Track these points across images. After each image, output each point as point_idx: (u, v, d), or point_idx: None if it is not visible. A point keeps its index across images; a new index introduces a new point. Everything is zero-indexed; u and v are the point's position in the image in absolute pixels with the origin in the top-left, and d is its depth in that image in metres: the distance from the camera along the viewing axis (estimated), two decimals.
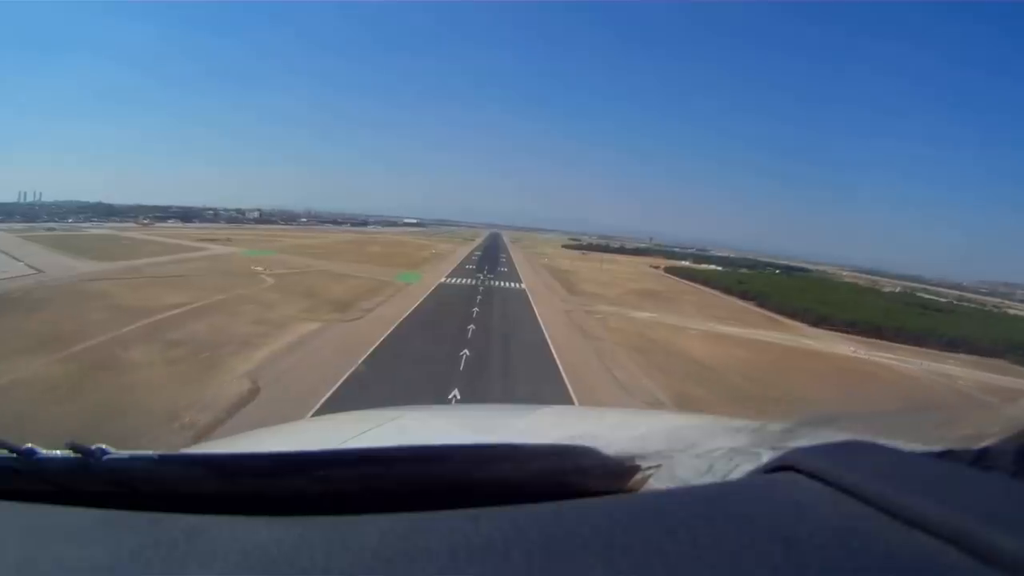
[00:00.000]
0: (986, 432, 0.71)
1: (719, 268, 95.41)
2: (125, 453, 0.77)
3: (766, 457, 0.75)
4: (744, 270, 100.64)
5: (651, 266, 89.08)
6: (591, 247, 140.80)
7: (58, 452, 0.78)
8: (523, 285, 41.70)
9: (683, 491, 0.74)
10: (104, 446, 0.76)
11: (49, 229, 59.92)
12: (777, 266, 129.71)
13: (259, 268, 36.86)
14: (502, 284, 41.73)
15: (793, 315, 40.31)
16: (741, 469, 0.76)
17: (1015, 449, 0.67)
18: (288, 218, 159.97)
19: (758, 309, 44.03)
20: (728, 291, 52.53)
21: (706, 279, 62.81)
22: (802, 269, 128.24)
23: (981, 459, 0.68)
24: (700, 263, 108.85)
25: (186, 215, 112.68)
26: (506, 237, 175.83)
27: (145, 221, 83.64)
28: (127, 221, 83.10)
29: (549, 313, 29.47)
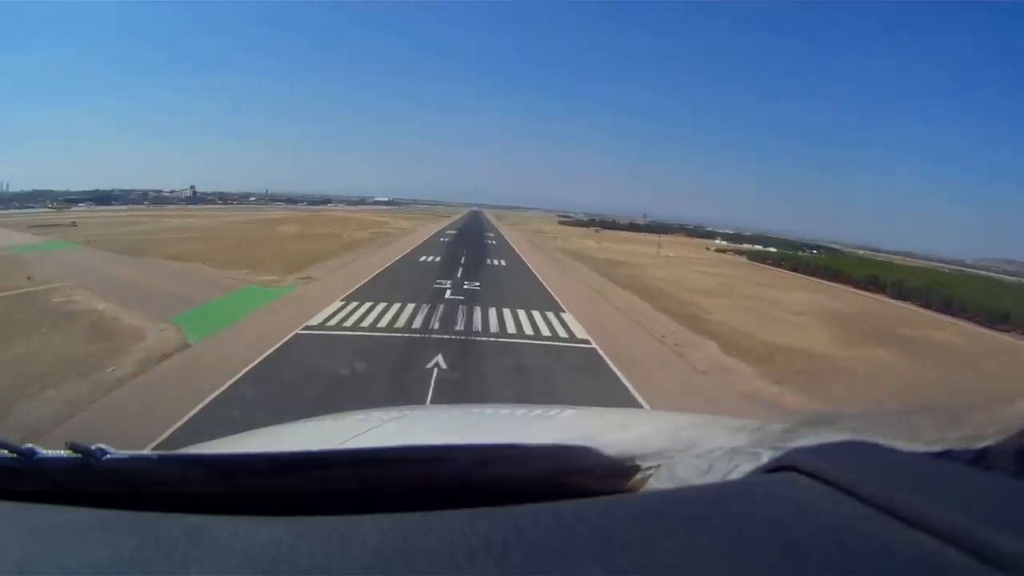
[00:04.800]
0: (986, 432, 0.70)
1: (772, 250, 70.81)
2: (125, 453, 0.77)
3: (766, 457, 0.75)
4: (803, 252, 76.63)
5: (711, 249, 62.69)
6: (594, 224, 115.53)
7: (58, 452, 0.78)
8: (576, 325, 13.74)
9: (683, 491, 0.74)
10: (104, 446, 0.76)
11: None
12: (805, 245, 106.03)
13: None
14: (512, 322, 13.74)
15: None
16: (741, 469, 0.75)
17: (1015, 449, 0.65)
18: (238, 199, 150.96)
19: None
20: (947, 305, 25.53)
21: (859, 278, 36.17)
22: (829, 249, 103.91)
23: (981, 459, 0.67)
24: (741, 243, 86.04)
25: (104, 198, 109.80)
26: (489, 215, 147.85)
27: (52, 205, 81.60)
28: (31, 207, 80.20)
29: None
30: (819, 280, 38.74)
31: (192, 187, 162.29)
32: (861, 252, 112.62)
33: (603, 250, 43.66)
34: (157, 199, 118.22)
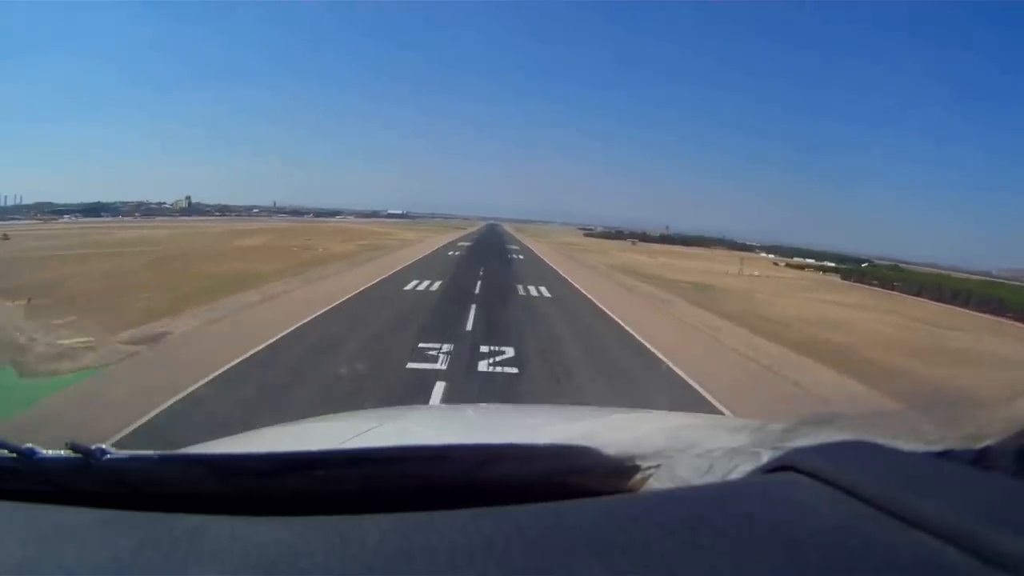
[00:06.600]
0: (986, 432, 0.69)
1: (830, 264, 61.87)
2: (125, 453, 0.77)
3: (766, 457, 0.74)
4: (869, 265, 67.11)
5: (780, 266, 52.17)
6: (623, 235, 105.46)
7: (58, 452, 0.78)
8: None
9: (683, 491, 0.73)
10: (104, 446, 0.76)
11: None
12: (851, 258, 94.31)
13: None
14: None
15: None
16: (741, 469, 0.75)
17: (1015, 449, 0.65)
18: (239, 211, 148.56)
19: None
20: None
21: None
22: (869, 262, 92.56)
23: (981, 459, 0.67)
24: (790, 257, 76.65)
25: (94, 210, 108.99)
26: (508, 227, 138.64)
27: (38, 217, 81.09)
28: (15, 218, 79.69)
29: None
30: (962, 309, 29.50)
31: (187, 198, 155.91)
32: (901, 265, 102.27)
33: (665, 267, 33.61)
34: (149, 211, 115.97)
